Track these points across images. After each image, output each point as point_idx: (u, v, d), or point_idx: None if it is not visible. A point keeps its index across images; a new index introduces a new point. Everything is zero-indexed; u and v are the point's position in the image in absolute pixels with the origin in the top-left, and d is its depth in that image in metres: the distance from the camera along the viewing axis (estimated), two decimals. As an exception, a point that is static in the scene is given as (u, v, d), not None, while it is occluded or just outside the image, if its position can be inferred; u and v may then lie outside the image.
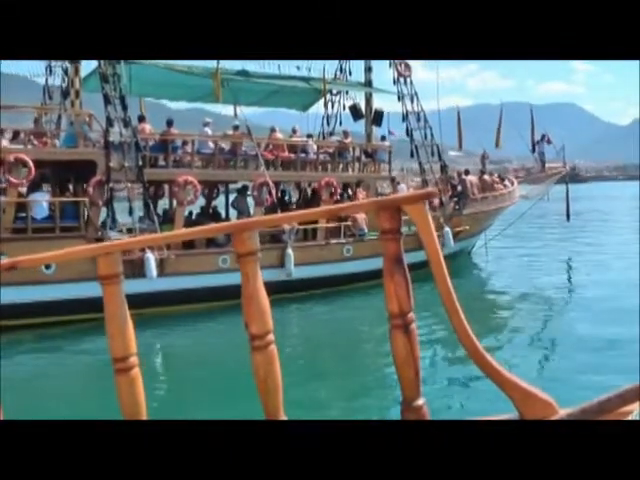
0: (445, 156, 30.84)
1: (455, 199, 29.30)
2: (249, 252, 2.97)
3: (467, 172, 31.17)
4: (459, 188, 29.63)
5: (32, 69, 25.09)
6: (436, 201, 28.45)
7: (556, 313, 20.99)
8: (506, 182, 33.46)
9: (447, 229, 27.41)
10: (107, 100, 21.69)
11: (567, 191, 32.59)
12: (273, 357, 3.01)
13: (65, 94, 25.08)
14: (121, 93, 21.81)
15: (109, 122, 21.54)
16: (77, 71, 23.13)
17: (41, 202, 20.69)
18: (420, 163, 29.19)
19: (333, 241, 24.47)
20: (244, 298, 2.97)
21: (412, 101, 29.33)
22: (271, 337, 3.01)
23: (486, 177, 32.04)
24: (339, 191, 25.47)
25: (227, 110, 29.45)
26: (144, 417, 2.98)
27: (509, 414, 3.14)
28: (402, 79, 29.27)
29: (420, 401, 3.04)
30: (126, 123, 21.64)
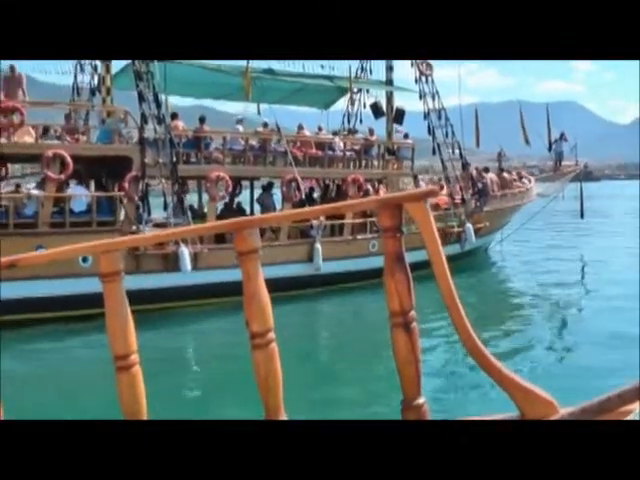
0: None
1: (476, 196, 29.15)
2: (250, 250, 2.89)
3: (487, 170, 30.97)
4: (479, 185, 29.47)
5: (35, 67, 24.89)
6: (458, 198, 28.38)
7: (564, 315, 20.60)
8: (524, 180, 33.28)
9: (469, 225, 27.24)
10: (141, 97, 21.62)
11: (581, 189, 32.31)
12: (274, 355, 2.93)
13: (93, 91, 25.10)
14: (154, 91, 21.74)
15: (144, 119, 21.48)
16: (108, 69, 23.07)
17: (81, 197, 20.71)
18: (442, 160, 29.03)
19: (359, 237, 24.34)
20: (245, 296, 2.89)
21: (433, 99, 29.12)
22: (272, 335, 2.92)
23: (505, 175, 31.87)
24: (365, 187, 25.38)
25: (232, 108, 29.30)
26: (144, 416, 2.90)
27: (510, 414, 3.03)
28: (424, 78, 29.08)
29: (421, 400, 2.94)
30: (160, 120, 21.57)
